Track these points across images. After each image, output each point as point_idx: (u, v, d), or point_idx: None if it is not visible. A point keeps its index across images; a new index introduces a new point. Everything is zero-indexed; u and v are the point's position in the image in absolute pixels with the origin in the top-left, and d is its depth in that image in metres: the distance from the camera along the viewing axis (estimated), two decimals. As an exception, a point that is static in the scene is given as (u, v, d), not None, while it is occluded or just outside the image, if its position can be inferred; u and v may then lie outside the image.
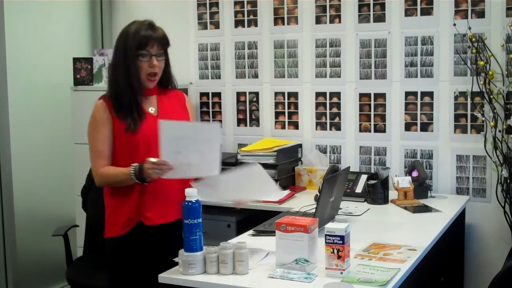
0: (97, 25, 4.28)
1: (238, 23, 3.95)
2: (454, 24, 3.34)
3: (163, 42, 2.43)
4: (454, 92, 3.41)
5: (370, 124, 3.63)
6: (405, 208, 3.06)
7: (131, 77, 2.38)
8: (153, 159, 2.22)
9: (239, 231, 2.99)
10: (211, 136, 2.32)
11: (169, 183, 2.38)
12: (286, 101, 3.85)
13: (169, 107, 2.51)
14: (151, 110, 2.46)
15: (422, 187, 3.27)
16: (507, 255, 3.15)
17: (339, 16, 3.66)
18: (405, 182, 3.17)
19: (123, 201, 2.41)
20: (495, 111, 3.26)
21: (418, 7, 3.47)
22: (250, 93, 3.95)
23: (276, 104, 3.88)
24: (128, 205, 2.40)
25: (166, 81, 2.53)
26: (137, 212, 2.40)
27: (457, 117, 3.43)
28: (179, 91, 2.62)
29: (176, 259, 2.13)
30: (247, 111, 3.96)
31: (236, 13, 3.94)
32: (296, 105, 3.82)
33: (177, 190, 2.40)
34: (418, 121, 3.52)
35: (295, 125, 3.83)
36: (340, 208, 2.84)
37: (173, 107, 2.52)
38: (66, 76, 3.93)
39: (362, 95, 3.64)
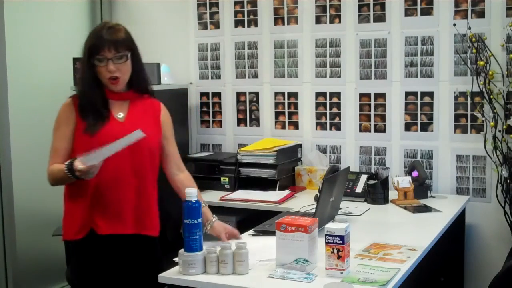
0: (97, 25, 4.28)
1: (238, 23, 3.95)
2: (454, 24, 3.34)
3: (121, 44, 2.31)
4: (454, 92, 3.41)
5: (370, 124, 3.63)
6: (405, 208, 3.06)
7: (92, 80, 2.32)
8: (80, 165, 2.15)
9: (239, 231, 2.98)
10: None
11: (123, 192, 2.32)
12: (286, 101, 3.85)
13: (139, 115, 2.40)
14: (119, 115, 2.37)
15: (422, 187, 3.27)
16: (507, 255, 3.15)
17: (339, 16, 3.66)
18: (405, 182, 3.17)
19: (76, 204, 2.33)
20: (495, 111, 3.27)
21: (418, 7, 3.47)
22: (250, 93, 3.95)
23: (276, 104, 3.88)
24: (80, 209, 2.32)
25: (136, 86, 2.41)
26: (89, 219, 2.31)
27: (457, 117, 3.43)
28: (157, 101, 2.52)
29: (176, 259, 2.13)
30: (247, 111, 3.96)
31: (236, 13, 3.94)
32: (296, 105, 3.82)
33: (133, 200, 2.34)
34: (418, 121, 3.52)
35: (295, 125, 3.83)
36: (340, 208, 2.84)
37: (143, 116, 2.40)
38: (66, 76, 3.92)
39: (362, 95, 3.64)
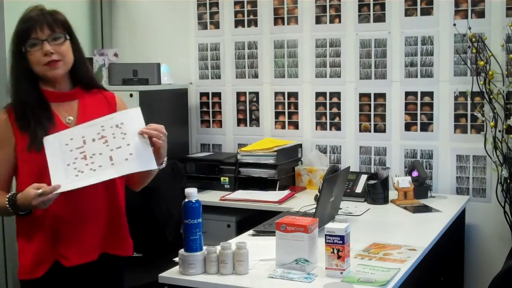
0: (97, 25, 4.28)
1: (238, 23, 3.95)
2: (454, 24, 3.34)
3: (56, 23, 1.96)
4: (454, 92, 3.41)
5: (370, 124, 3.63)
6: (405, 208, 3.06)
7: (25, 74, 1.95)
8: (36, 190, 1.80)
9: (239, 231, 2.99)
10: (128, 127, 1.94)
11: (93, 208, 1.98)
12: (286, 101, 3.85)
13: (93, 113, 2.00)
14: (69, 120, 2.00)
15: (422, 187, 3.26)
16: (507, 255, 3.15)
17: (339, 16, 3.66)
18: (405, 182, 3.17)
19: (32, 232, 1.95)
20: (495, 111, 3.26)
21: (418, 7, 3.47)
22: (250, 93, 3.95)
23: (276, 104, 3.88)
24: (38, 238, 1.94)
25: (82, 79, 2.05)
26: (52, 249, 1.94)
27: (457, 117, 3.43)
28: (110, 93, 2.14)
29: (176, 259, 2.13)
30: (247, 111, 3.96)
31: (236, 13, 3.94)
32: (296, 105, 3.82)
33: (104, 216, 2.01)
34: (418, 121, 3.52)
35: (295, 125, 3.83)
36: (340, 208, 2.84)
37: (98, 115, 1.99)
38: (66, 76, 3.92)
39: (362, 95, 3.64)
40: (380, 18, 3.56)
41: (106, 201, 2.02)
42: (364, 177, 3.31)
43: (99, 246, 2.02)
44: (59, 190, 1.83)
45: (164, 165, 2.04)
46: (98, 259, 2.01)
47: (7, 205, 1.88)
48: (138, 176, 2.08)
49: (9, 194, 1.89)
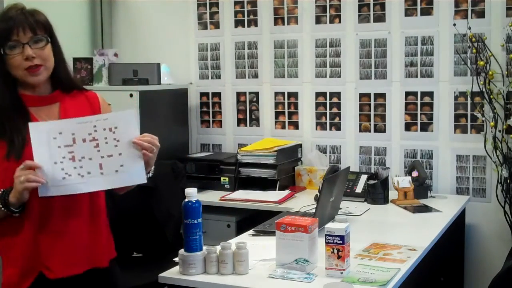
0: (97, 25, 4.28)
1: (238, 23, 3.95)
2: (454, 24, 3.34)
3: (38, 25, 1.83)
4: (454, 92, 3.41)
5: (370, 124, 3.63)
6: (405, 208, 3.06)
7: (3, 81, 1.82)
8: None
9: (239, 231, 2.99)
10: (122, 133, 1.82)
11: (76, 216, 1.87)
12: (286, 101, 3.85)
13: (75, 116, 1.87)
14: None
15: (422, 187, 3.26)
16: (507, 255, 3.15)
17: (339, 16, 3.66)
18: (405, 182, 3.17)
19: (12, 243, 1.83)
20: (495, 111, 3.26)
21: (418, 7, 3.47)
22: (250, 93, 3.95)
23: (276, 104, 3.88)
24: (19, 249, 1.83)
25: (62, 82, 1.94)
26: (34, 260, 1.82)
27: (457, 117, 3.43)
28: (92, 93, 2.03)
29: (176, 259, 2.13)
30: (247, 111, 3.96)
31: (236, 13, 3.94)
32: (296, 105, 3.82)
33: (87, 224, 1.90)
34: (418, 121, 3.52)
35: (295, 125, 3.83)
36: (340, 208, 2.84)
37: (82, 115, 1.90)
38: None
39: (362, 95, 3.64)
40: (380, 18, 3.56)
41: (89, 209, 1.91)
42: (364, 177, 3.31)
43: (85, 257, 1.89)
44: (47, 194, 1.74)
45: (150, 174, 1.95)
46: (84, 274, 1.89)
47: None
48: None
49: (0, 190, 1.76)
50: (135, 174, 1.83)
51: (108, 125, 1.82)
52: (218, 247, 2.09)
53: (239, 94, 3.98)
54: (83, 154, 1.80)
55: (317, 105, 3.76)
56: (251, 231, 2.62)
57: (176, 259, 2.12)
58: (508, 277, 2.36)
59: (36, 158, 1.75)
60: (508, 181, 3.24)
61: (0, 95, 1.83)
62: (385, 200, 3.17)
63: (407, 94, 3.53)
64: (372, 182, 3.19)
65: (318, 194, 2.75)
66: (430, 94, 3.48)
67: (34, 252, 1.83)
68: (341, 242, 1.99)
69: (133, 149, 1.82)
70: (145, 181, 1.86)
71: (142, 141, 1.84)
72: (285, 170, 3.61)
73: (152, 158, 1.89)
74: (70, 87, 1.96)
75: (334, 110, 3.72)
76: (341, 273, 2.00)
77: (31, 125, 1.77)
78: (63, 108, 1.92)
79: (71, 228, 1.86)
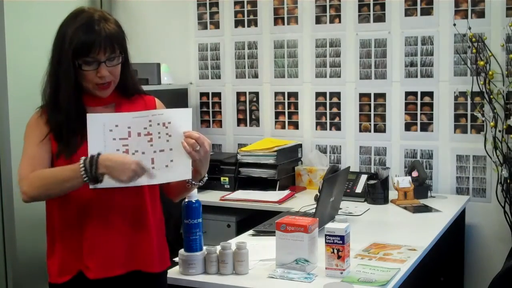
0: (97, 25, 4.28)
1: (238, 23, 3.95)
2: (454, 24, 3.34)
3: (117, 43, 1.83)
4: (454, 92, 3.41)
5: (370, 124, 3.63)
6: (405, 208, 3.06)
7: (72, 91, 1.83)
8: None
9: (239, 231, 2.99)
10: (175, 128, 1.82)
11: (116, 222, 1.86)
12: (286, 101, 3.85)
13: None
14: None
15: (422, 187, 3.26)
16: (507, 255, 3.16)
17: (339, 16, 3.66)
18: (405, 182, 3.17)
19: (61, 237, 1.87)
20: (495, 111, 3.27)
21: (418, 7, 3.47)
22: (250, 93, 3.95)
23: (276, 104, 3.88)
24: (62, 245, 1.86)
25: (125, 88, 1.95)
26: (77, 258, 1.85)
27: (457, 117, 3.43)
28: (150, 97, 2.05)
29: (176, 259, 2.13)
30: (247, 111, 3.96)
31: (236, 13, 3.94)
32: (296, 105, 3.82)
33: (127, 229, 1.88)
34: (418, 121, 3.52)
35: (295, 125, 3.83)
36: (340, 208, 2.84)
37: None
38: (66, 76, 3.92)
39: (362, 95, 3.64)
40: (380, 18, 3.56)
41: (132, 213, 1.89)
42: (364, 177, 3.31)
43: (126, 259, 1.88)
44: (96, 186, 1.74)
45: (202, 183, 1.93)
46: (126, 275, 1.88)
47: (82, 169, 1.69)
48: (173, 185, 1.96)
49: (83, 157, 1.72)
50: (183, 170, 1.83)
51: (162, 120, 1.82)
52: (218, 247, 2.09)
53: (239, 94, 3.99)
54: (137, 148, 1.80)
55: (317, 105, 3.76)
56: (251, 231, 2.62)
57: (176, 259, 2.12)
58: (508, 277, 2.36)
59: (91, 148, 1.75)
60: (508, 181, 3.24)
61: (65, 99, 1.83)
62: (385, 200, 3.17)
63: (407, 94, 3.53)
64: (372, 182, 3.19)
65: (318, 194, 2.75)
66: (430, 94, 3.48)
67: (76, 249, 1.84)
68: (341, 242, 1.99)
69: (183, 145, 1.81)
70: (190, 177, 1.86)
71: (189, 139, 1.80)
72: (285, 170, 3.61)
73: (201, 163, 1.84)
74: (132, 94, 1.99)
75: (334, 110, 3.72)
76: (341, 273, 2.00)
77: (89, 116, 1.78)
78: (118, 109, 1.92)
79: (115, 230, 1.86)
